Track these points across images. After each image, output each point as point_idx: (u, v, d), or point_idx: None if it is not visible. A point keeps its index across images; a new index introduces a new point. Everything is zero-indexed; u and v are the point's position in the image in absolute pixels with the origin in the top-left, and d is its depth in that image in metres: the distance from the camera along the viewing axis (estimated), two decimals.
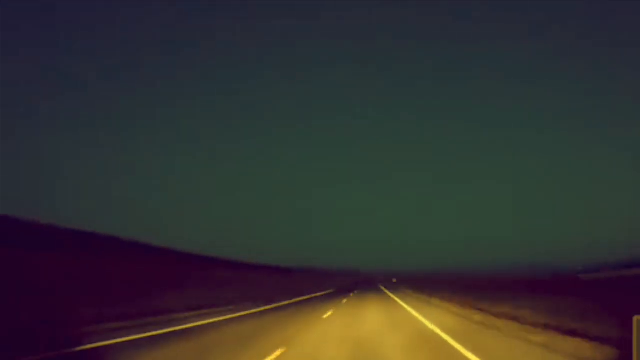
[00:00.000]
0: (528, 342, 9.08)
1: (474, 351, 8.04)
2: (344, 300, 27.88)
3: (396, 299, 29.65)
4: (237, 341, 10.02)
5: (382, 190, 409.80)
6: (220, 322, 14.60)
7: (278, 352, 8.17)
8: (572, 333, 9.29)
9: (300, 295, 36.55)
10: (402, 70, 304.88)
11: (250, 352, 8.37)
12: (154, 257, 30.33)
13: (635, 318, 4.72)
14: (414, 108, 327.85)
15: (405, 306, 21.53)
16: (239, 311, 18.94)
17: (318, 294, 39.82)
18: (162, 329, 12.25)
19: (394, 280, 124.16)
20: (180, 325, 13.19)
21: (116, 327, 11.96)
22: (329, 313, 17.59)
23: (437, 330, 11.37)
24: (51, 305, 12.42)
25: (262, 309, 20.74)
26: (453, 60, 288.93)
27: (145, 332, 11.30)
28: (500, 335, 10.46)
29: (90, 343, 9.19)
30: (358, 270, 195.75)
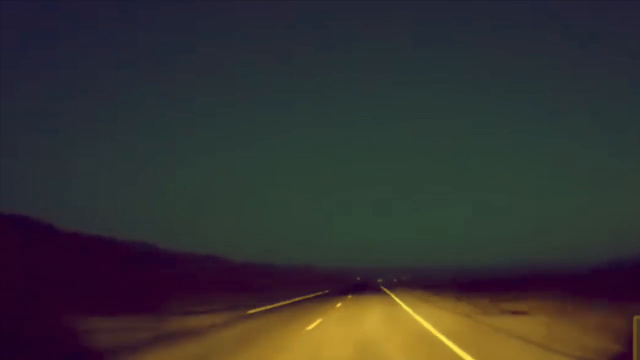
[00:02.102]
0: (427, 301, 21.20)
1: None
2: (349, 296, 37.38)
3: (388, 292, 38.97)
4: (301, 315, 19.37)
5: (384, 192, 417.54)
6: (282, 305, 24.79)
7: (320, 319, 17.45)
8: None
9: (313, 292, 46.17)
10: (411, 72, 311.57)
11: (308, 318, 17.68)
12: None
13: (635, 318, 4.82)
14: (415, 110, 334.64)
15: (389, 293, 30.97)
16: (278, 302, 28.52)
17: (327, 291, 49.61)
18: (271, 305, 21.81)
19: (395, 280, 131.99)
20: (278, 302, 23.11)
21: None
22: (339, 304, 27.02)
23: (399, 302, 20.79)
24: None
25: (293, 300, 30.31)
26: (457, 61, 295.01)
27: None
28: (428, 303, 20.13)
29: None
30: (356, 270, 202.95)
